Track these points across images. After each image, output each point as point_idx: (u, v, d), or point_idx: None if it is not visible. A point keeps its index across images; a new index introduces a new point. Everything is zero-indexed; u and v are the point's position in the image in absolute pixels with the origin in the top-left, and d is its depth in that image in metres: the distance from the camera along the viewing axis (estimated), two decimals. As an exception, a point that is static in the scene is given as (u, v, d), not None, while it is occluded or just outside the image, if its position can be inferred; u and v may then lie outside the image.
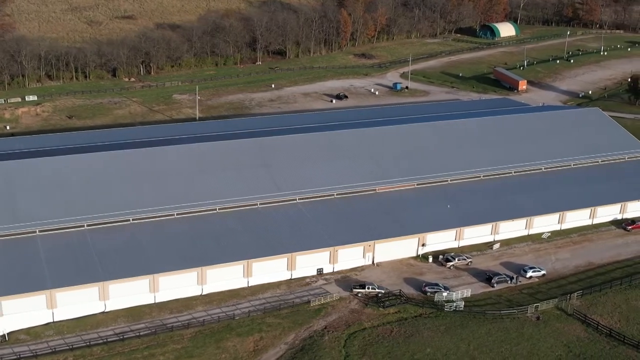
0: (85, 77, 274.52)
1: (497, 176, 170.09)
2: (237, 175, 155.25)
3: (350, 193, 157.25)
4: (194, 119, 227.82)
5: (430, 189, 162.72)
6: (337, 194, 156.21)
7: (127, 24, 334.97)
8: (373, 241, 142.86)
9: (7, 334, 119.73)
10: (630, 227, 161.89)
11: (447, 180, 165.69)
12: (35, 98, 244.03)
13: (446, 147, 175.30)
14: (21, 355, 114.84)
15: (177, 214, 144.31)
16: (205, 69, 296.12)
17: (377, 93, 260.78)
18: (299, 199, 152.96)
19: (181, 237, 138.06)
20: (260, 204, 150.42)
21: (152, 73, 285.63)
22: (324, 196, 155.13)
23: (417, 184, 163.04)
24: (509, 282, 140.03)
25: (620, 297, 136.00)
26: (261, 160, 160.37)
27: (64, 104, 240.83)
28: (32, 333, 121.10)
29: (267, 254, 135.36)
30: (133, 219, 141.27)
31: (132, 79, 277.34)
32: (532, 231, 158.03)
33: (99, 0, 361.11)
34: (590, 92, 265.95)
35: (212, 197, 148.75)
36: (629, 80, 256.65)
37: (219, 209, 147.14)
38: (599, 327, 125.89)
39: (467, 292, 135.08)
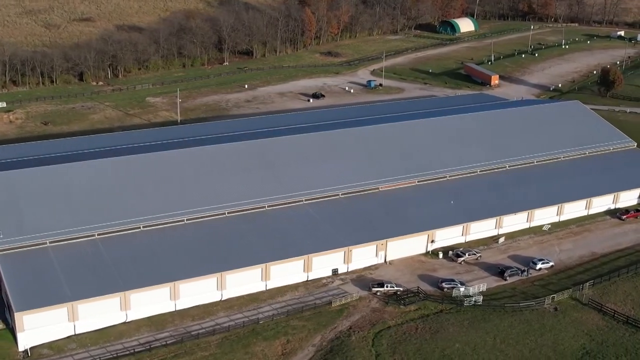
0: (52, 82, 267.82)
1: (492, 171, 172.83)
2: (242, 178, 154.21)
3: (354, 192, 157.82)
4: (173, 123, 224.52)
5: (431, 186, 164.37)
6: (342, 194, 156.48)
7: (86, 26, 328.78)
8: (385, 239, 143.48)
9: (30, 349, 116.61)
10: (625, 217, 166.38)
11: (446, 177, 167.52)
12: (4, 105, 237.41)
13: (441, 143, 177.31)
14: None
15: (187, 220, 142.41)
16: (173, 71, 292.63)
17: (352, 91, 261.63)
18: (305, 200, 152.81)
19: (196, 242, 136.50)
20: (268, 206, 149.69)
21: (120, 76, 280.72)
22: (330, 196, 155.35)
23: (418, 181, 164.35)
24: (521, 274, 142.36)
25: (629, 285, 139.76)
26: (264, 162, 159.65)
27: (36, 110, 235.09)
28: (54, 347, 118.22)
29: (284, 257, 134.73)
30: (143, 226, 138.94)
31: (100, 83, 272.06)
32: (533, 224, 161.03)
33: (53, 3, 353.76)
34: (560, 85, 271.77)
35: (220, 201, 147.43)
36: (600, 72, 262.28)
37: (228, 213, 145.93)
38: (616, 315, 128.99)
39: (483, 287, 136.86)
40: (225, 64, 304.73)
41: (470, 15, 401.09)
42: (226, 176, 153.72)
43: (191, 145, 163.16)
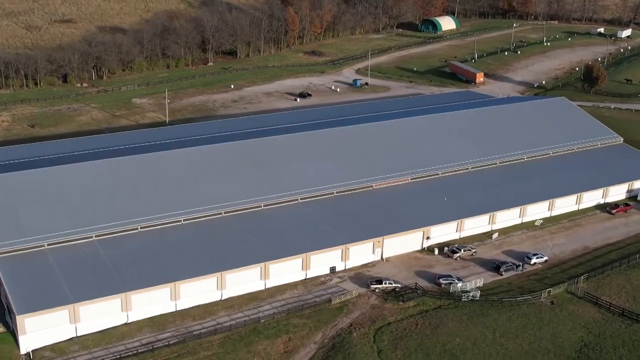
0: (36, 84, 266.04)
1: (483, 167, 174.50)
2: (237, 178, 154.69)
3: (348, 190, 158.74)
4: (161, 124, 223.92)
5: (424, 183, 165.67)
6: (336, 192, 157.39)
7: (67, 27, 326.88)
8: (382, 237, 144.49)
9: (32, 352, 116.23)
10: (614, 211, 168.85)
11: (438, 174, 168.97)
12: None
13: (432, 141, 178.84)
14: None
15: (184, 220, 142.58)
16: (157, 72, 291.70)
17: (338, 90, 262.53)
18: (300, 199, 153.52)
19: (194, 242, 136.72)
20: (264, 205, 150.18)
21: (104, 77, 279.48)
22: (324, 195, 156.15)
23: (411, 179, 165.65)
24: (516, 269, 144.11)
25: (623, 278, 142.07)
26: (258, 162, 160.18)
27: (22, 113, 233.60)
28: (57, 350, 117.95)
29: (283, 256, 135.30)
30: (141, 227, 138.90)
31: (85, 84, 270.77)
32: (525, 219, 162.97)
33: (33, 5, 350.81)
34: (544, 82, 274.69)
35: (216, 201, 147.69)
36: (584, 69, 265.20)
37: (225, 213, 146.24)
38: (611, 308, 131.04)
39: (479, 282, 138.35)
40: (209, 64, 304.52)
41: (451, 13, 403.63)
42: (221, 176, 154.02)
43: (185, 146, 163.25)
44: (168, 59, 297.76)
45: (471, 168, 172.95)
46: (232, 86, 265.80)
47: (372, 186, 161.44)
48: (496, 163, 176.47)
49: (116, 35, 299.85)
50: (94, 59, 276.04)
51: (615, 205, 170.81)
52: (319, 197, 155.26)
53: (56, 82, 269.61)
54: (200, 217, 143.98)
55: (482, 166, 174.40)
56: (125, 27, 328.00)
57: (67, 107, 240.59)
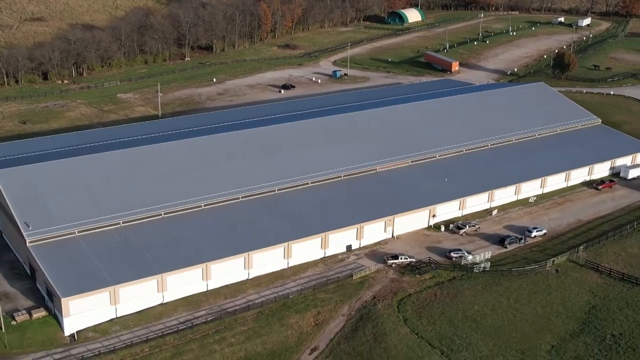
0: (17, 82, 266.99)
1: (477, 149, 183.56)
2: (249, 164, 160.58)
3: (355, 174, 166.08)
4: (152, 117, 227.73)
5: (424, 165, 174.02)
6: (343, 176, 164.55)
7: (39, 26, 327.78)
8: (393, 216, 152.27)
9: (76, 333, 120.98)
10: (600, 187, 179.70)
11: (435, 156, 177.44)
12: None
13: (427, 125, 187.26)
14: (100, 352, 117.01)
15: (205, 205, 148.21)
16: (136, 68, 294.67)
17: (319, 81, 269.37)
18: (311, 183, 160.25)
19: (218, 225, 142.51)
20: (278, 189, 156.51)
21: (84, 74, 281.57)
22: (333, 178, 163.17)
23: (411, 161, 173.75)
24: (519, 242, 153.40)
25: (617, 246, 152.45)
26: (268, 148, 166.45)
27: (10, 110, 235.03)
28: (99, 330, 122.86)
29: (304, 235, 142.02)
30: (164, 213, 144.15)
31: (66, 81, 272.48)
32: (520, 196, 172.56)
33: (0, 4, 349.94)
34: (516, 70, 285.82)
35: (232, 187, 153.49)
36: (555, 56, 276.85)
37: (242, 197, 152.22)
38: (612, 273, 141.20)
39: (488, 254, 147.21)
40: (186, 59, 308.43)
41: (415, 5, 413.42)
42: (234, 163, 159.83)
43: (196, 135, 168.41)
44: (146, 55, 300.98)
45: (465, 150, 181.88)
46: (214, 80, 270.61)
47: (376, 169, 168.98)
48: (487, 145, 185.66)
49: (94, 32, 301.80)
50: (74, 55, 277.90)
51: (601, 181, 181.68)
52: (329, 181, 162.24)
53: (37, 79, 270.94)
54: (219, 202, 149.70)
55: (475, 148, 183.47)
56: (96, 24, 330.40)
57: (54, 104, 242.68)
